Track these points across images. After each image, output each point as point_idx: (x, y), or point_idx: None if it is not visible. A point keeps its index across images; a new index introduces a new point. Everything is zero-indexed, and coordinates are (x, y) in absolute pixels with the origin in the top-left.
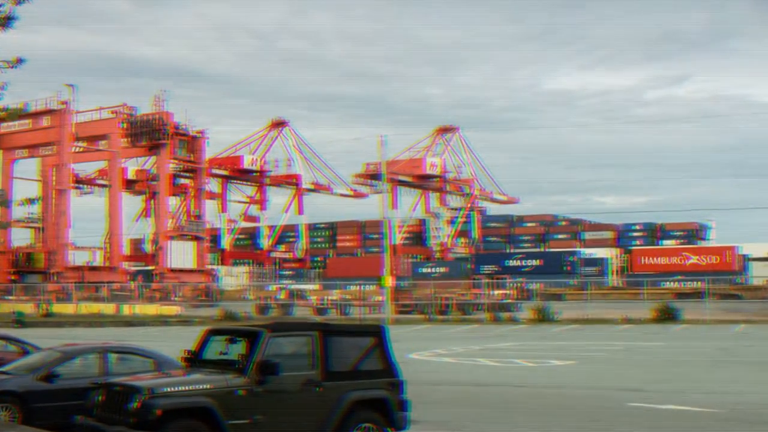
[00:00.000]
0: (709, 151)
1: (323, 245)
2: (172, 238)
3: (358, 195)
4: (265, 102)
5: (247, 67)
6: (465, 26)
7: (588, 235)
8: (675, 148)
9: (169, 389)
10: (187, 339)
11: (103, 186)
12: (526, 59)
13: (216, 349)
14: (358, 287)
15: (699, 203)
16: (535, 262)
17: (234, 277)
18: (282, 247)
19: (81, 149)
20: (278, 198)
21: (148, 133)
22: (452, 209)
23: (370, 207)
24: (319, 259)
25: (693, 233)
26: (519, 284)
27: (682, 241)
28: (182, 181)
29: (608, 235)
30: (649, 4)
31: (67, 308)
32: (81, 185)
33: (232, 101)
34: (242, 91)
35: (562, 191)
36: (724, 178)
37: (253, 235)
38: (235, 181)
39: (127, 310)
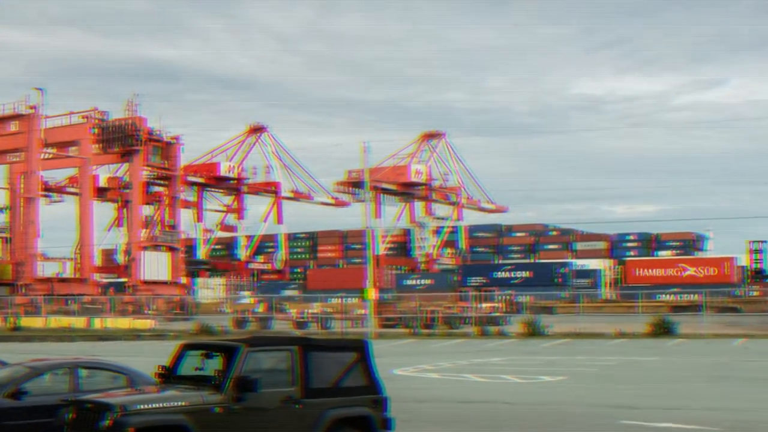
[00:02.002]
0: (732, 157)
1: (303, 256)
2: (145, 248)
3: (339, 204)
4: (277, 106)
5: (266, 70)
6: (502, 28)
7: (580, 246)
8: (697, 155)
9: (142, 406)
10: (162, 354)
11: (74, 194)
12: (561, 63)
13: (191, 365)
14: (339, 300)
15: (714, 212)
16: (525, 274)
17: (210, 290)
18: (260, 258)
19: (50, 156)
20: (256, 207)
21: (121, 138)
22: (438, 218)
23: (353, 216)
24: (299, 270)
25: (689, 243)
26: (508, 297)
27: (678, 251)
28: (156, 188)
29: (601, 245)
30: (707, 11)
31: (35, 322)
32: (50, 193)
33: (243, 105)
34: (258, 95)
35: (571, 199)
36: (744, 186)
37: (230, 245)
38: (211, 189)
39: (98, 323)
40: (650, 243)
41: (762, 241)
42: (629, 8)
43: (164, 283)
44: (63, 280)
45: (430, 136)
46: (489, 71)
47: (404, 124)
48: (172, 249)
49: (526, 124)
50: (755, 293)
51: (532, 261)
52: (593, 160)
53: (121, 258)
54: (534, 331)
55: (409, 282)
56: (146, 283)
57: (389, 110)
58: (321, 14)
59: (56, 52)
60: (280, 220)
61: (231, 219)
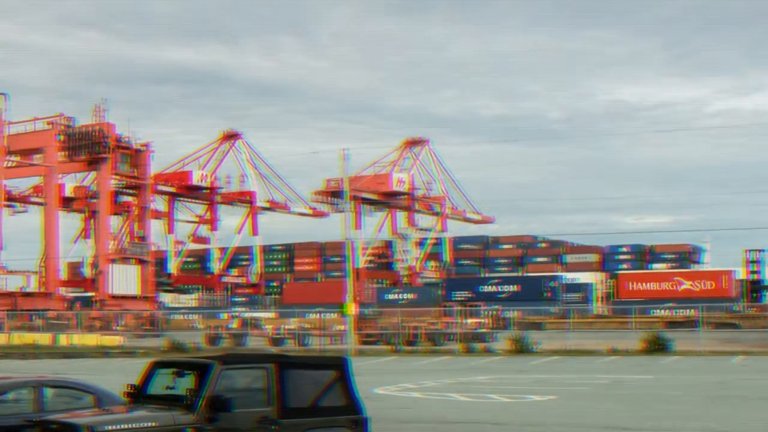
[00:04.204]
0: (754, 167)
1: (280, 269)
2: (113, 261)
3: (318, 214)
4: (293, 112)
5: (290, 75)
6: (549, 32)
7: (570, 258)
8: (721, 163)
9: (110, 427)
10: (131, 372)
11: (38, 204)
12: (601, 68)
13: (162, 384)
14: (317, 315)
15: (729, 223)
16: (513, 288)
17: (181, 305)
18: (234, 271)
19: (14, 164)
20: (230, 218)
21: (88, 146)
22: (421, 230)
23: (332, 227)
24: (275, 284)
25: (686, 256)
26: (494, 312)
27: (673, 264)
28: (125, 198)
29: (592, 258)
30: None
31: None
32: (14, 203)
33: (260, 110)
34: (280, 100)
35: (581, 210)
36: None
37: (202, 258)
38: (183, 199)
39: (64, 340)
40: (644, 255)
41: (760, 251)
42: (677, 11)
43: (133, 297)
44: (27, 295)
45: (413, 143)
46: (525, 77)
47: (430, 133)
48: (141, 262)
49: (552, 131)
50: (753, 310)
51: (519, 274)
52: (615, 168)
53: (88, 271)
54: (522, 348)
55: (391, 296)
56: (114, 297)
57: (414, 116)
58: (355, 17)
59: (72, 56)
60: (255, 232)
61: (204, 230)
